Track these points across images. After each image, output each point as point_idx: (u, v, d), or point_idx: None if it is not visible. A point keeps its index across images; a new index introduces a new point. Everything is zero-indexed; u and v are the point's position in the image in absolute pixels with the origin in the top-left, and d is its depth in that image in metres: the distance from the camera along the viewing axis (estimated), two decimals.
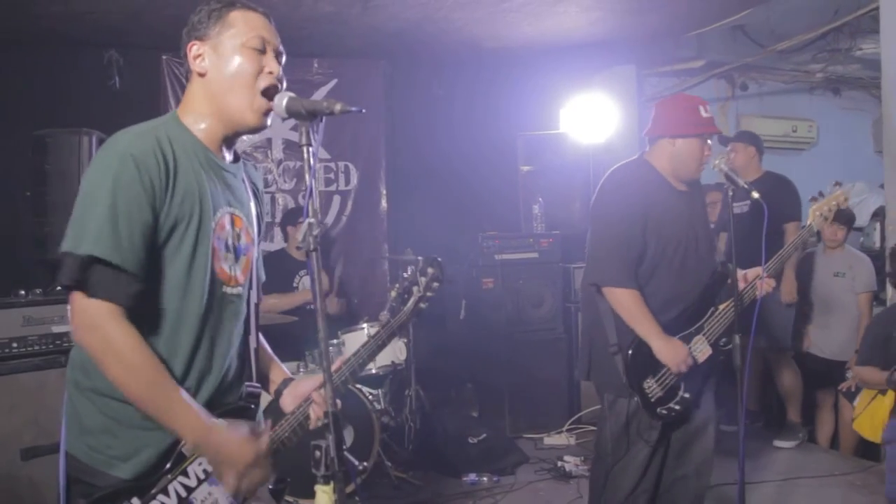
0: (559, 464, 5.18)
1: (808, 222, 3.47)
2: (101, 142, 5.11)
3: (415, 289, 2.41)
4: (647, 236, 3.29)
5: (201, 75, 2.00)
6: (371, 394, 5.01)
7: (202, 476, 1.95)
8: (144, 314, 1.88)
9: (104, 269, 1.78)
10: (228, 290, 2.04)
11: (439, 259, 2.46)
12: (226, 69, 1.98)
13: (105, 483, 1.87)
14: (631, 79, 7.53)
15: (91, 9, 5.32)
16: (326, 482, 1.71)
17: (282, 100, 1.91)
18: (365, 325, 5.25)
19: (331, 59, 6.95)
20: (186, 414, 1.87)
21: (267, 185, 6.81)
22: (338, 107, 1.79)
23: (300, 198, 6.84)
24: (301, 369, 4.91)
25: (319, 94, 6.81)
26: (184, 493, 1.91)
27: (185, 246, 1.91)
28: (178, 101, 6.41)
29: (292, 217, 5.88)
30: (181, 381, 1.93)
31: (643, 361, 3.25)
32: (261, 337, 2.32)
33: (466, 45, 6.64)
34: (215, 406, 2.00)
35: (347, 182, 7.05)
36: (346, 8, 5.59)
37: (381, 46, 6.67)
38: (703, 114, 3.35)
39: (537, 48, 6.78)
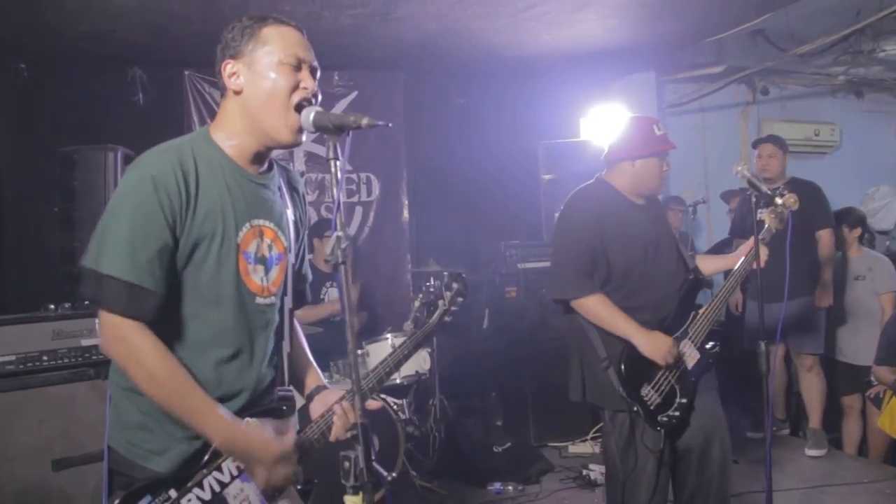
0: (584, 472, 5.16)
1: (766, 225, 3.53)
2: (126, 157, 5.18)
3: (440, 302, 2.44)
4: (608, 251, 3.36)
5: (237, 93, 2.03)
6: (396, 403, 5.03)
7: (235, 473, 2.02)
8: (173, 326, 1.96)
9: (122, 287, 1.86)
10: (261, 300, 2.09)
11: (464, 274, 2.50)
12: (261, 87, 2.01)
13: (142, 475, 1.96)
14: (650, 86, 7.53)
15: (115, 27, 5.40)
16: (356, 493, 1.73)
17: (309, 114, 1.94)
18: (389, 336, 5.27)
19: (351, 72, 7.00)
20: (212, 417, 1.95)
21: None
22: (365, 121, 1.81)
23: (323, 209, 6.89)
24: (326, 380, 4.92)
25: (340, 107, 6.86)
26: (217, 488, 1.98)
27: (209, 262, 1.97)
28: (200, 116, 6.57)
29: (318, 230, 5.93)
30: (214, 390, 1.99)
31: (637, 370, 3.27)
32: (302, 340, 2.40)
33: (486, 54, 6.66)
34: (249, 408, 2.06)
35: (369, 193, 7.09)
36: (366, 20, 5.63)
37: (401, 58, 6.71)
38: (657, 132, 3.48)
39: (557, 57, 6.79)
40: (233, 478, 2.01)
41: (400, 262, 7.10)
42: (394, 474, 4.71)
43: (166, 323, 1.95)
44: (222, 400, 2.01)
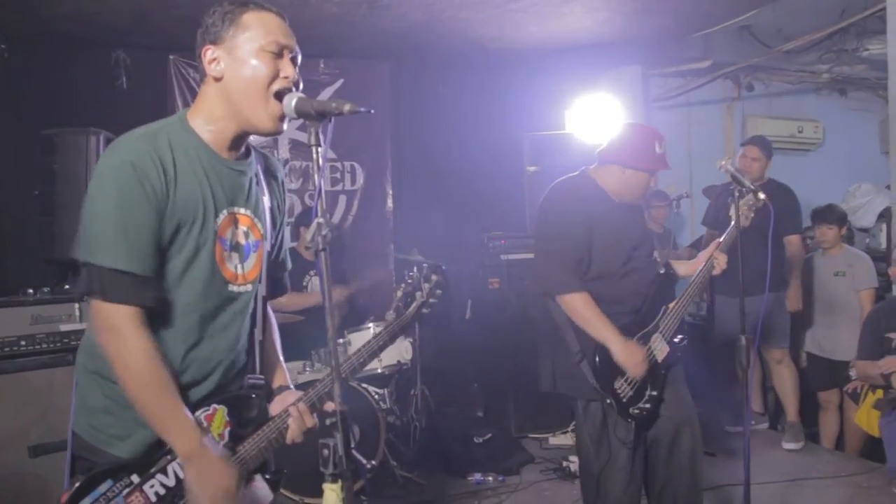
0: (564, 464, 5.18)
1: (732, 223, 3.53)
2: (108, 141, 5.12)
3: (418, 294, 2.43)
4: (592, 247, 3.37)
5: (217, 79, 2.00)
6: (377, 393, 5.02)
7: None
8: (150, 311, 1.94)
9: (122, 277, 1.85)
10: (235, 288, 2.07)
11: (443, 267, 2.49)
12: (242, 73, 1.98)
13: (104, 460, 1.95)
14: (637, 79, 7.54)
15: (98, 9, 5.34)
16: (335, 480, 1.72)
17: (291, 100, 1.92)
18: (371, 325, 5.26)
19: (337, 60, 6.96)
20: (183, 428, 1.92)
21: None
22: (347, 107, 1.80)
23: (306, 197, 6.86)
24: (307, 368, 4.92)
25: (326, 95, 6.82)
26: (182, 475, 1.95)
27: (187, 248, 1.96)
28: (185, 101, 6.52)
29: (305, 218, 5.92)
30: (184, 374, 1.99)
31: (610, 363, 3.29)
32: (275, 333, 2.36)
33: (472, 45, 6.65)
34: (218, 394, 2.06)
35: (353, 182, 7.07)
36: (352, 9, 5.60)
37: (387, 47, 6.68)
38: (657, 150, 3.47)
39: (543, 48, 6.78)
40: None
41: (383, 251, 7.09)
42: (374, 463, 4.72)
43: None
44: (191, 385, 2.00)
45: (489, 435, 5.53)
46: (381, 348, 2.41)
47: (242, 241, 2.09)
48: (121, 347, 1.87)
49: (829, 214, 5.85)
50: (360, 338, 5.21)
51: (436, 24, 6.03)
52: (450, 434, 5.54)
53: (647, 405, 3.36)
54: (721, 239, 3.56)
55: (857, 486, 4.85)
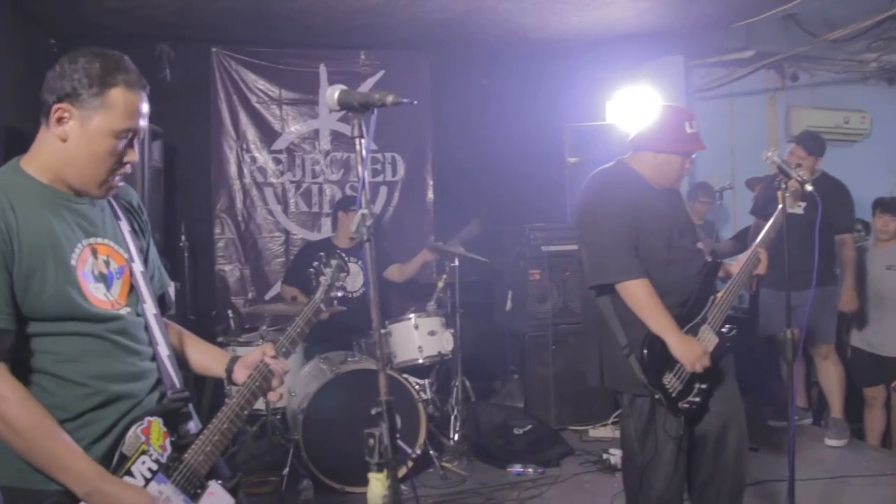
0: (604, 456, 5.16)
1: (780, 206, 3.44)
2: (153, 133, 5.20)
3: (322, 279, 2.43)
4: (639, 235, 3.30)
5: (62, 140, 1.94)
6: (417, 383, 5.04)
7: (148, 475, 1.98)
8: (34, 358, 1.91)
9: None
10: (112, 313, 2.02)
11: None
12: (87, 149, 1.95)
13: (45, 498, 1.87)
14: (679, 69, 7.44)
15: (143, 3, 5.42)
16: (380, 470, 1.73)
17: (334, 93, 1.92)
18: (412, 316, 5.29)
19: (378, 51, 6.98)
20: (75, 465, 1.86)
21: (314, 175, 6.88)
22: (390, 98, 1.80)
23: (347, 188, 6.90)
24: (349, 358, 4.95)
25: (366, 86, 6.85)
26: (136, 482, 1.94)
27: (47, 290, 1.90)
28: (227, 93, 6.60)
29: (345, 204, 5.99)
30: (90, 409, 1.95)
31: (659, 358, 3.23)
32: (187, 335, 2.39)
33: (513, 35, 6.62)
34: (139, 411, 2.02)
35: (394, 173, 7.09)
36: None
37: (427, 37, 6.68)
38: (688, 129, 3.38)
39: (584, 39, 6.73)
40: (147, 481, 1.97)
41: (423, 242, 7.09)
42: (418, 452, 4.75)
43: (27, 357, 1.90)
44: (103, 405, 1.97)
45: (529, 426, 5.53)
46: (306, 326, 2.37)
47: (105, 269, 2.04)
48: None
49: (894, 205, 5.73)
50: (401, 328, 5.26)
51: (476, 14, 6.01)
52: (490, 425, 5.54)
53: (697, 399, 3.29)
54: (760, 238, 3.49)
55: None
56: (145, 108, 2.02)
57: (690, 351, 3.21)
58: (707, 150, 3.50)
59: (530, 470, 5.09)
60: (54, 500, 1.85)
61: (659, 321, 3.21)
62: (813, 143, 5.61)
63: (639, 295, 3.22)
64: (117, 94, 1.94)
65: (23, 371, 1.89)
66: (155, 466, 1.98)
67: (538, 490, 4.80)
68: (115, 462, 1.94)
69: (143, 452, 1.97)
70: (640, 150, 3.46)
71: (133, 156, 2.00)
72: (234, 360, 2.31)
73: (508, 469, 5.12)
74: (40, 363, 1.91)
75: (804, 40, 7.04)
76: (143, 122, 2.02)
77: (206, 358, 2.37)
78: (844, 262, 5.50)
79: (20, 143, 2.08)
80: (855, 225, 5.59)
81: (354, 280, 5.65)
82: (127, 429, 1.98)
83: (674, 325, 3.22)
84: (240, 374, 2.25)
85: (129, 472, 1.95)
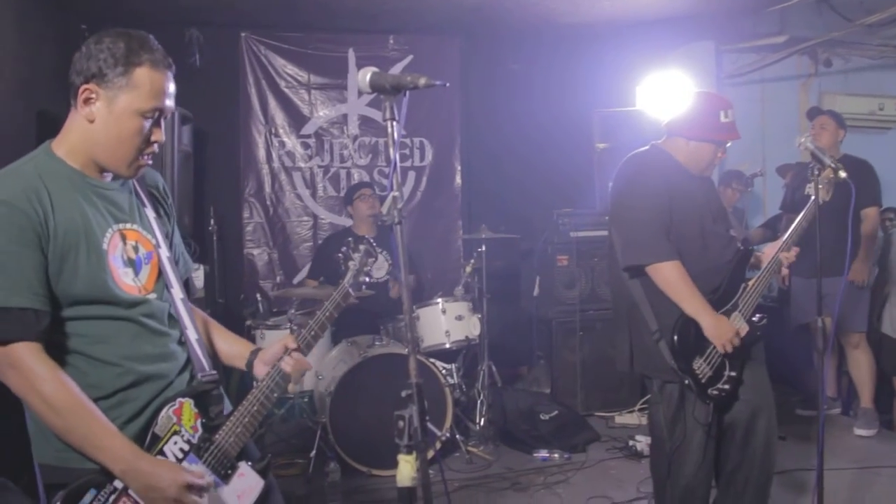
0: (630, 443, 5.15)
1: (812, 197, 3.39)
2: (183, 118, 5.23)
3: (350, 264, 2.45)
4: (672, 219, 3.28)
5: (89, 121, 1.96)
6: (444, 368, 5.06)
7: (180, 455, 2.00)
8: (66, 342, 1.93)
9: (7, 314, 1.82)
10: (140, 299, 2.04)
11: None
12: (114, 130, 1.96)
13: (80, 476, 1.89)
14: (710, 55, 7.35)
15: None
16: (409, 452, 1.74)
17: (365, 75, 1.91)
18: (440, 301, 5.30)
19: (407, 35, 6.98)
20: (110, 443, 1.88)
21: (343, 160, 6.90)
22: (422, 81, 1.79)
23: (375, 173, 6.91)
24: (376, 342, 4.98)
25: (395, 70, 6.80)
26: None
27: (80, 273, 1.92)
28: (256, 79, 6.63)
29: (353, 192, 5.98)
30: (122, 388, 1.97)
31: (689, 343, 3.21)
32: (213, 324, 2.41)
33: (543, 20, 6.58)
34: (166, 402, 2.03)
35: (423, 158, 7.09)
36: None
37: (456, 22, 6.66)
38: (723, 119, 3.34)
39: (615, 23, 6.68)
40: (178, 461, 1.99)
41: (452, 227, 7.10)
42: (447, 435, 4.76)
43: (61, 339, 1.92)
44: (134, 384, 1.99)
45: (556, 412, 5.52)
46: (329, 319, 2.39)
47: (133, 255, 2.06)
48: (24, 379, 1.84)
49: None
50: (429, 313, 5.27)
51: None
52: (516, 410, 5.54)
53: (726, 386, 3.27)
54: (784, 238, 3.45)
55: None
56: (171, 87, 2.01)
57: (724, 331, 3.20)
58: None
59: (556, 455, 5.09)
60: (90, 478, 1.88)
61: (692, 302, 3.20)
62: (834, 113, 5.60)
63: (671, 276, 3.21)
64: (142, 74, 1.94)
65: (57, 352, 1.91)
66: (186, 447, 2.01)
67: (564, 476, 4.80)
68: (147, 442, 1.97)
69: (175, 433, 2.00)
70: (673, 135, 3.44)
71: (160, 135, 2.01)
72: (255, 352, 2.32)
73: (534, 454, 5.12)
74: (74, 344, 1.94)
75: (839, 25, 6.92)
76: (170, 102, 2.02)
77: (229, 347, 2.38)
78: (865, 234, 5.44)
79: (53, 127, 2.08)
80: (880, 199, 5.51)
81: (379, 268, 5.67)
82: (159, 410, 2.00)
83: (707, 306, 3.21)
84: (259, 370, 2.26)
85: (161, 452, 1.98)
